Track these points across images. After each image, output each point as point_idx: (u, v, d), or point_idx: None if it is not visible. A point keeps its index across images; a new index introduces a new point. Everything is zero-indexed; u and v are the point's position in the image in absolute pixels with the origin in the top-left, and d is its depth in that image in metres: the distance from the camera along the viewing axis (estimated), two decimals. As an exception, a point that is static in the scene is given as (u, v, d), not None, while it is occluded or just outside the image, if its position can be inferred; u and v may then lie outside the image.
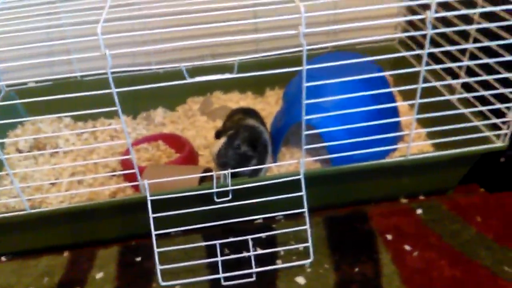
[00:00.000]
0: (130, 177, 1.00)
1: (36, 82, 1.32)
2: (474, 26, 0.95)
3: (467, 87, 1.04)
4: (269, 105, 1.33)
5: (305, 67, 0.79)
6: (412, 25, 1.32)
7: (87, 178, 1.08)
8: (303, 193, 0.88)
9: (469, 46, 0.99)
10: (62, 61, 1.33)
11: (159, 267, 0.85)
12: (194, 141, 1.19)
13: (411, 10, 1.32)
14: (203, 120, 1.29)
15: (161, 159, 1.13)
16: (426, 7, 0.79)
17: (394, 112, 1.06)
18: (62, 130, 1.25)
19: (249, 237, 0.90)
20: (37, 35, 1.08)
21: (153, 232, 0.85)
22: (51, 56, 1.31)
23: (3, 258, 0.98)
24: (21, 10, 0.96)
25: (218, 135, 0.97)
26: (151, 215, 0.85)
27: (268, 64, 0.92)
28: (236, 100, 1.36)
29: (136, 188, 1.03)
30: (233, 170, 0.91)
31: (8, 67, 1.32)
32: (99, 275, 0.90)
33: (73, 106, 0.90)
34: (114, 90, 0.76)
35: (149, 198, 0.86)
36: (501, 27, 0.90)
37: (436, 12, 0.79)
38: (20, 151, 1.19)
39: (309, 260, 0.87)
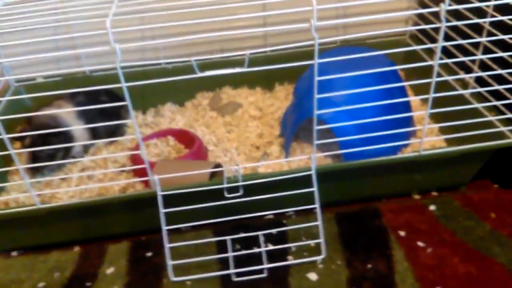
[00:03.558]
0: (140, 173, 0.99)
1: (45, 77, 1.32)
2: (488, 19, 0.94)
3: (480, 81, 1.02)
4: (278, 100, 1.32)
5: (316, 61, 0.78)
6: (423, 18, 1.31)
7: (97, 173, 1.08)
8: (314, 188, 0.87)
9: (483, 39, 0.97)
10: (70, 56, 1.33)
11: (170, 262, 0.84)
12: (203, 136, 1.18)
13: (422, 4, 1.30)
14: (213, 115, 1.28)
15: (170, 154, 1.13)
16: (438, 0, 0.77)
17: (406, 107, 1.05)
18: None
19: (260, 233, 0.89)
20: (45, 30, 1.08)
21: (164, 228, 0.84)
22: (59, 51, 1.31)
23: (14, 253, 0.97)
24: (29, 5, 0.95)
25: None
26: (161, 210, 0.85)
27: (278, 59, 0.91)
28: (245, 96, 1.35)
29: (146, 183, 1.03)
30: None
31: (17, 63, 1.33)
32: (110, 270, 0.90)
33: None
34: (123, 85, 0.75)
35: (159, 193, 0.85)
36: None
37: (449, 5, 0.77)
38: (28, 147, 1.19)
39: (321, 256, 0.86)
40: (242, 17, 0.79)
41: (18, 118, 0.85)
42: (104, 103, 0.87)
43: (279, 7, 0.82)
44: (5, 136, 0.79)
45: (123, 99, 0.77)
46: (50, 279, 0.89)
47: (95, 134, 1.13)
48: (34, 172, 1.06)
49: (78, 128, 1.08)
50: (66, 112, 1.10)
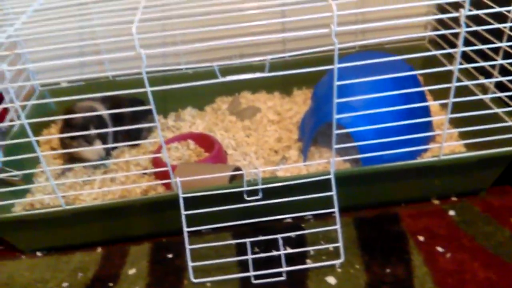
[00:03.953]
0: (162, 175, 1.01)
1: (69, 82, 1.35)
2: (508, 24, 0.93)
3: (500, 86, 1.02)
4: (296, 105, 1.33)
5: (336, 65, 0.79)
6: (442, 23, 1.30)
7: (120, 176, 1.10)
8: (333, 192, 0.88)
9: (503, 44, 0.97)
10: (93, 61, 1.36)
11: (190, 264, 0.86)
12: (223, 140, 1.20)
13: (441, 9, 1.30)
14: (232, 119, 1.30)
15: (191, 158, 1.15)
16: (457, 5, 0.78)
17: (426, 112, 1.05)
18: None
19: (279, 236, 0.90)
20: (69, 36, 1.10)
21: (185, 229, 0.86)
22: (83, 57, 1.34)
23: (38, 254, 1.00)
24: (55, 11, 0.98)
25: None
26: (183, 212, 0.86)
27: (296, 64, 0.92)
28: (264, 100, 1.37)
29: (167, 186, 1.05)
30: None
31: (42, 68, 1.36)
32: (131, 271, 0.91)
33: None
34: (148, 89, 0.77)
35: (181, 195, 0.87)
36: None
37: (469, 10, 0.78)
38: (54, 149, 1.22)
39: (340, 260, 0.87)
40: (262, 23, 0.80)
41: (45, 121, 0.87)
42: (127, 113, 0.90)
43: (298, 13, 0.84)
44: (33, 139, 0.82)
45: (145, 106, 0.79)
46: (74, 279, 0.91)
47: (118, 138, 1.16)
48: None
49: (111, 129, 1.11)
50: (99, 105, 1.15)
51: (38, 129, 1.28)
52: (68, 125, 1.08)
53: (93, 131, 1.06)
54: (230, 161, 1.14)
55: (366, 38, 1.40)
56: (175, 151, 1.16)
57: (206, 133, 1.21)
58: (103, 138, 1.11)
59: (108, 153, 1.13)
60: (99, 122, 1.07)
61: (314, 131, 1.06)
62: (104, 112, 1.02)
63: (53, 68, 1.36)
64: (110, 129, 0.99)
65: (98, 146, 1.08)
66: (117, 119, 1.12)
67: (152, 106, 0.79)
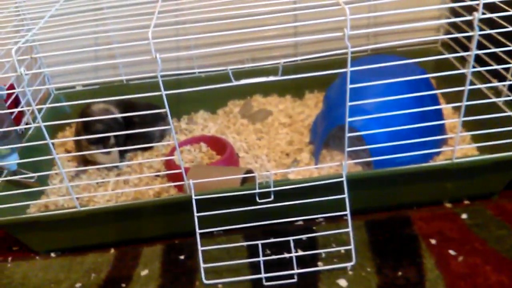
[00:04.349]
0: (174, 178, 1.02)
1: (84, 85, 1.37)
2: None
3: (513, 90, 1.01)
4: (308, 108, 1.33)
5: (349, 69, 0.79)
6: (454, 26, 1.30)
7: (133, 178, 1.12)
8: (345, 195, 0.88)
9: (517, 47, 0.96)
10: (107, 65, 1.38)
11: (202, 265, 0.86)
12: (235, 143, 1.21)
13: (454, 12, 1.30)
14: (244, 122, 1.31)
15: (203, 160, 1.16)
16: (470, 8, 0.77)
17: (438, 115, 1.04)
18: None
19: (290, 238, 0.90)
20: (84, 40, 1.12)
21: (197, 231, 0.87)
22: (98, 61, 1.36)
23: (52, 254, 1.01)
24: (70, 17, 1.00)
25: None
26: (195, 214, 0.87)
27: (308, 67, 0.93)
28: (275, 104, 1.37)
29: (179, 188, 1.06)
30: None
31: (57, 72, 1.38)
32: (144, 272, 0.92)
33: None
34: (163, 93, 0.78)
35: (194, 197, 0.88)
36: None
37: (483, 13, 0.77)
38: (68, 152, 1.24)
39: (351, 263, 0.87)
40: (274, 27, 0.81)
41: (60, 124, 0.89)
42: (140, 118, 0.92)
43: (310, 17, 0.84)
44: (50, 141, 0.83)
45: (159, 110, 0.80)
46: (87, 280, 0.92)
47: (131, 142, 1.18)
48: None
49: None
50: (114, 108, 1.17)
51: (53, 132, 1.30)
52: (87, 130, 1.10)
53: (112, 138, 1.08)
54: (242, 164, 1.15)
55: (378, 42, 1.40)
56: (187, 153, 1.17)
57: (218, 136, 1.22)
58: (119, 145, 1.13)
59: (122, 157, 1.15)
60: (118, 129, 1.09)
61: (326, 134, 1.06)
62: (119, 116, 1.03)
63: (68, 72, 1.39)
64: (126, 132, 1.00)
65: (115, 151, 1.10)
66: (129, 124, 1.14)
67: (167, 109, 0.80)
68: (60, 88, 1.37)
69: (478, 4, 0.77)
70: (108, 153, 1.11)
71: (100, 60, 1.36)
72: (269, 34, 1.30)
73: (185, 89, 0.80)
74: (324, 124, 1.08)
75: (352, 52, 0.76)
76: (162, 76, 0.77)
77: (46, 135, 0.82)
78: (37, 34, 0.87)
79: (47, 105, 1.26)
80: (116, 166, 1.16)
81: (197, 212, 0.87)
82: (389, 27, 0.83)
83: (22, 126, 1.13)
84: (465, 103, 0.86)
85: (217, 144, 1.18)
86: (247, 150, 1.19)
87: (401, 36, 1.31)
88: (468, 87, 0.84)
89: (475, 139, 1.08)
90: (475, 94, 0.90)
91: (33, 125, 1.16)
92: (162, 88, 0.78)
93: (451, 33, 1.26)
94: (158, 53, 0.73)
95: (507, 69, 1.03)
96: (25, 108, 1.14)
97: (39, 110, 1.25)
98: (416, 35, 0.85)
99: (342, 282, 0.85)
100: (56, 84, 1.36)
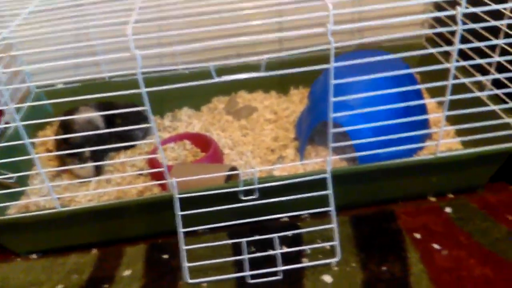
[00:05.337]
0: (158, 176, 1.01)
1: (65, 83, 1.35)
2: (505, 21, 0.93)
3: (497, 83, 1.01)
4: (293, 104, 1.33)
5: (332, 64, 0.79)
6: (439, 21, 1.30)
7: (115, 177, 1.10)
8: (330, 191, 0.87)
9: (500, 41, 0.96)
10: (89, 62, 1.36)
11: (186, 264, 0.85)
12: (219, 140, 1.19)
13: (438, 6, 1.30)
14: (228, 119, 1.30)
15: (187, 158, 1.14)
16: (454, 3, 0.77)
17: (422, 109, 1.04)
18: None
19: (275, 235, 0.90)
20: (65, 37, 1.09)
21: (180, 230, 0.86)
22: (79, 58, 1.34)
23: (34, 256, 1.00)
24: (50, 13, 0.98)
25: None
26: (178, 213, 0.86)
27: (293, 63, 0.92)
28: (260, 100, 1.36)
29: (163, 186, 1.04)
30: None
31: (37, 69, 1.36)
32: (127, 273, 0.91)
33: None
34: (143, 90, 0.77)
35: (177, 196, 0.87)
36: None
37: (466, 7, 0.77)
38: (49, 151, 1.22)
39: (336, 259, 0.87)
40: (258, 23, 0.80)
41: (40, 123, 0.87)
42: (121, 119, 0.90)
43: (295, 13, 0.83)
44: (27, 141, 0.81)
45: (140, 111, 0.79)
46: (69, 282, 0.91)
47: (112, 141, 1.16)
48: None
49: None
50: (97, 116, 1.15)
51: (33, 130, 1.27)
52: (65, 141, 1.08)
53: (87, 152, 1.08)
54: (227, 160, 1.14)
55: (363, 37, 1.39)
56: (171, 151, 1.16)
57: (202, 133, 1.21)
58: (96, 157, 1.11)
59: (99, 172, 1.13)
60: (95, 141, 1.06)
61: (311, 130, 1.06)
62: (101, 132, 1.00)
63: (49, 70, 1.36)
64: (105, 147, 0.97)
65: (90, 164, 1.10)
66: (111, 125, 1.12)
67: (147, 107, 0.78)
68: (40, 86, 1.34)
69: (461, -1, 0.76)
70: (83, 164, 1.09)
71: (82, 57, 1.34)
72: (253, 30, 1.28)
73: (168, 85, 0.79)
74: (309, 120, 1.08)
75: (336, 48, 0.76)
76: (144, 73, 0.76)
77: (24, 135, 0.81)
78: (15, 31, 0.85)
79: (26, 104, 1.24)
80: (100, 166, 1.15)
81: (181, 210, 0.86)
82: (374, 22, 0.82)
83: (1, 126, 1.11)
84: (448, 97, 0.86)
85: (202, 141, 1.17)
86: (232, 146, 1.18)
87: (387, 31, 1.31)
88: (451, 81, 0.84)
89: (459, 133, 1.08)
90: (459, 88, 0.90)
91: (11, 125, 1.13)
92: (142, 86, 0.76)
93: (436, 28, 1.26)
94: (138, 50, 0.72)
95: (490, 64, 1.03)
96: (4, 107, 1.11)
97: (19, 109, 1.22)
98: (400, 30, 0.84)
99: (327, 278, 0.85)
100: (36, 82, 1.34)
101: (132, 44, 0.72)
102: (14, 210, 1.04)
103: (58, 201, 0.90)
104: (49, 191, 0.89)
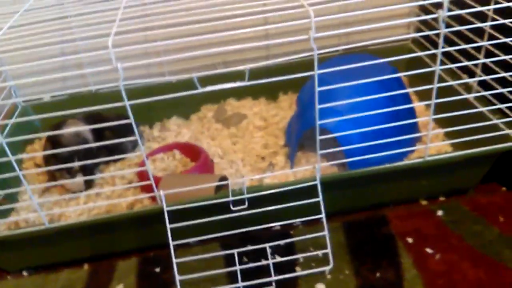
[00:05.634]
0: (147, 188, 1.00)
1: (52, 96, 1.34)
2: (489, 23, 0.93)
3: (484, 85, 1.02)
4: (282, 110, 1.32)
5: (316, 72, 0.78)
6: (425, 23, 1.30)
7: (105, 191, 1.09)
8: (319, 199, 0.87)
9: (485, 43, 0.97)
10: (76, 75, 1.35)
11: (178, 277, 0.84)
12: (209, 149, 1.19)
13: (424, 9, 1.30)
14: (218, 127, 1.29)
15: (177, 168, 1.14)
16: (439, 5, 0.77)
17: (411, 113, 1.04)
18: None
19: (267, 245, 0.89)
20: (51, 50, 1.08)
21: (171, 243, 0.85)
22: (65, 71, 1.32)
23: (24, 273, 0.98)
24: (34, 27, 0.97)
25: None
26: (168, 226, 0.85)
27: (280, 69, 0.91)
28: (249, 107, 1.36)
29: (154, 198, 1.03)
30: None
31: (24, 83, 1.35)
32: (119, 287, 0.90)
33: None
34: (127, 103, 0.76)
35: (165, 208, 0.86)
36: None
37: (450, 10, 0.77)
38: (38, 166, 1.20)
39: (329, 267, 0.86)
40: (244, 31, 0.80)
41: (28, 138, 0.86)
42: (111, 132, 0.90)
43: (280, 20, 0.83)
44: (13, 158, 0.80)
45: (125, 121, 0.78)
46: (61, 298, 0.90)
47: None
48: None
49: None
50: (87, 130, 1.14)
51: (21, 144, 1.26)
52: (53, 155, 1.07)
53: (76, 166, 1.06)
54: (217, 169, 1.13)
55: (350, 40, 1.39)
56: (160, 162, 1.15)
57: (191, 143, 1.20)
58: (86, 170, 1.10)
59: (89, 185, 1.12)
60: (84, 155, 1.05)
61: (300, 137, 1.06)
62: (90, 145, 0.98)
63: (35, 83, 1.35)
64: (95, 161, 0.96)
65: (79, 177, 1.09)
66: (100, 138, 1.11)
67: (131, 120, 0.78)
68: (27, 100, 1.33)
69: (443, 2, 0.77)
70: (73, 177, 1.08)
71: (68, 70, 1.32)
72: (239, 37, 1.28)
73: (153, 97, 0.78)
74: (298, 127, 1.07)
75: (322, 53, 0.76)
76: (129, 84, 0.75)
77: (8, 152, 0.80)
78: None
79: (12, 120, 1.22)
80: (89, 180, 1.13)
81: (171, 223, 0.85)
82: (359, 27, 0.82)
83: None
84: (434, 101, 0.86)
85: (191, 151, 1.16)
86: (222, 155, 1.18)
87: (373, 34, 1.31)
88: (436, 85, 0.84)
89: (449, 135, 1.08)
90: (447, 90, 0.90)
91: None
92: (125, 98, 0.75)
93: (422, 31, 1.27)
94: (120, 62, 0.71)
95: (476, 65, 1.03)
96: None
97: (4, 125, 1.21)
98: (387, 33, 0.84)
99: (321, 286, 0.84)
100: (23, 97, 1.32)
101: (113, 57, 0.71)
102: (4, 227, 1.03)
103: (46, 217, 0.89)
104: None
